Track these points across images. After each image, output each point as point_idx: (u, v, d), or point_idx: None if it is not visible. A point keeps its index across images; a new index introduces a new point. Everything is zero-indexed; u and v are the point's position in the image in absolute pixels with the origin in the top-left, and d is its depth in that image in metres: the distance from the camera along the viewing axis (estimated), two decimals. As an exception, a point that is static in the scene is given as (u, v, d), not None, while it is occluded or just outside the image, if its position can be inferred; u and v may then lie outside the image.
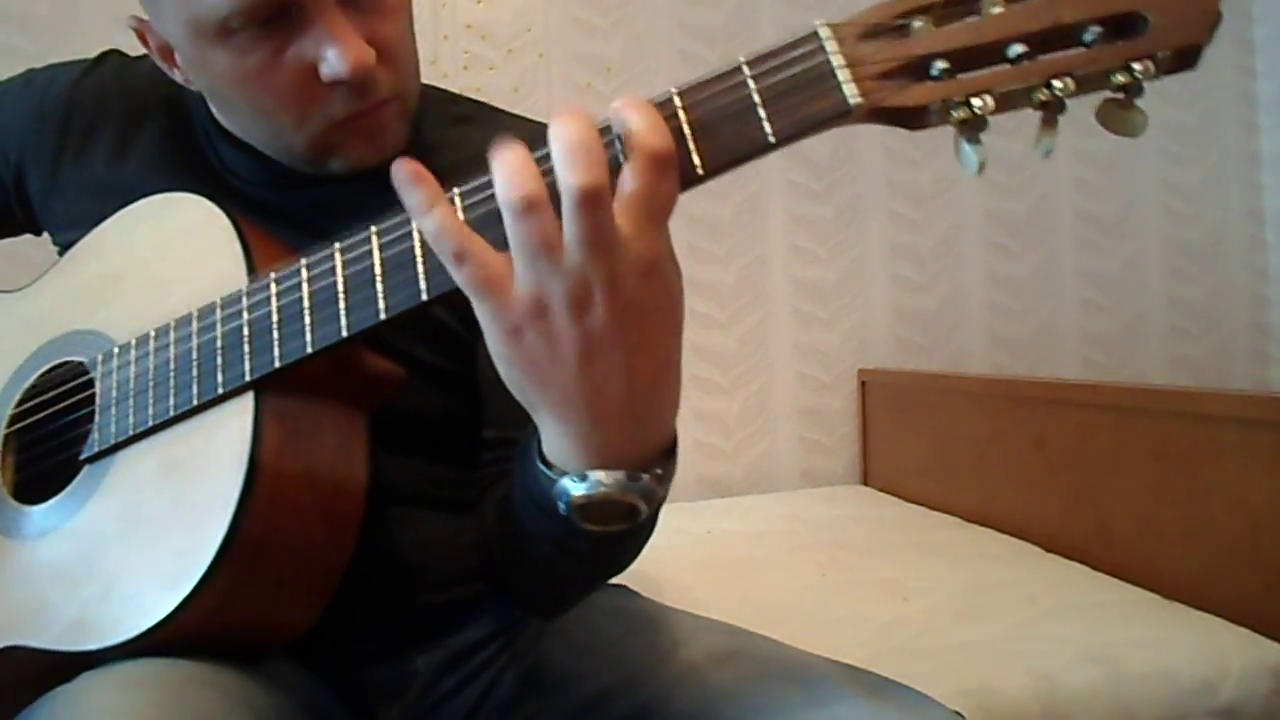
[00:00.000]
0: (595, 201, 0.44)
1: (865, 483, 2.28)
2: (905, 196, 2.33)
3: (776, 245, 2.25)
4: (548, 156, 0.46)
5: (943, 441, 2.00)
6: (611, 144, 0.47)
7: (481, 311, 0.47)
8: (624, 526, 0.52)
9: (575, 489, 0.50)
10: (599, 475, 0.50)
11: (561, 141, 0.45)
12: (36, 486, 0.66)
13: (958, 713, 0.59)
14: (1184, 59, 0.45)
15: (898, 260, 2.33)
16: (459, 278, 0.47)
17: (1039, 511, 1.69)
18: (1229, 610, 1.26)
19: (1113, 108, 0.45)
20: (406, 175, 0.47)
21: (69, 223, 0.74)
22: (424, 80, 0.76)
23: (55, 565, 0.61)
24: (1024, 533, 1.70)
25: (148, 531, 0.58)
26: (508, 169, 0.45)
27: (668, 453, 0.53)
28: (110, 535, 0.59)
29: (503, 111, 0.81)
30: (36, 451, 0.68)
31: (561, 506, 0.51)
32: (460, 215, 0.49)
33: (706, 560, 1.62)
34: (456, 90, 0.82)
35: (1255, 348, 2.55)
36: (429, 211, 0.47)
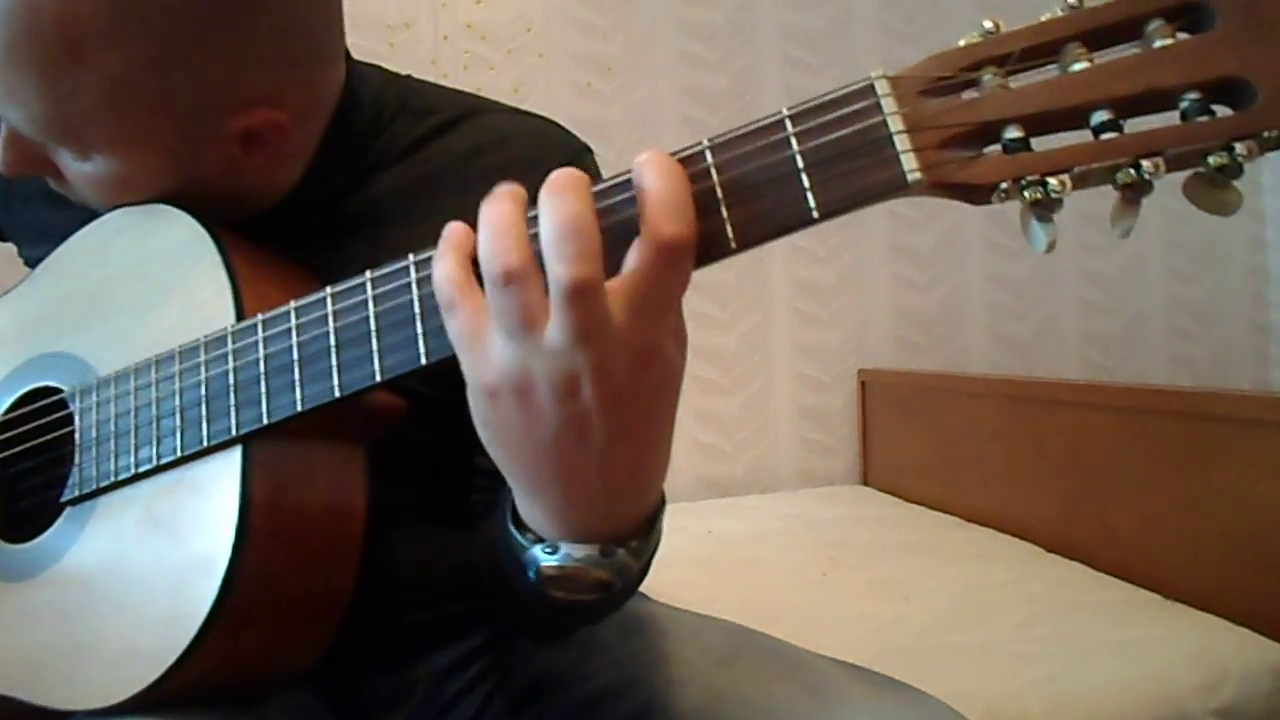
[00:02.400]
0: (584, 295, 0.39)
1: (865, 483, 2.28)
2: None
3: (776, 245, 2.23)
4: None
5: (943, 441, 2.00)
6: (626, 203, 0.42)
7: (463, 365, 0.45)
8: (593, 598, 0.49)
9: (545, 560, 0.48)
10: (570, 549, 0.47)
11: (551, 223, 0.40)
12: (15, 522, 0.64)
13: (958, 713, 0.59)
14: None
15: (898, 260, 2.33)
16: (448, 327, 0.45)
17: (1039, 511, 1.69)
18: (1229, 610, 1.26)
19: (1204, 185, 0.39)
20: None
21: (34, 236, 0.71)
22: (422, 80, 0.76)
23: (38, 614, 0.59)
24: (1024, 533, 1.70)
25: (132, 590, 0.56)
26: (491, 231, 0.42)
27: (648, 525, 0.50)
28: (94, 589, 0.57)
29: (491, 108, 0.73)
30: (16, 488, 0.66)
31: (530, 575, 0.49)
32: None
33: (706, 560, 1.62)
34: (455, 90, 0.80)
35: (1255, 348, 2.55)
36: (442, 257, 0.45)
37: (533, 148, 0.67)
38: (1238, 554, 1.29)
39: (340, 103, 0.65)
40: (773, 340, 2.26)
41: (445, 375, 0.67)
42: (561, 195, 0.41)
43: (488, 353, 0.43)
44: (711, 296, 2.20)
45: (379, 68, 0.72)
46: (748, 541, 1.78)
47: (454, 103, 0.71)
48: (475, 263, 0.44)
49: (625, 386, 0.42)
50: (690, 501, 2.10)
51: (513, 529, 0.50)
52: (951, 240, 2.36)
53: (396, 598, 0.69)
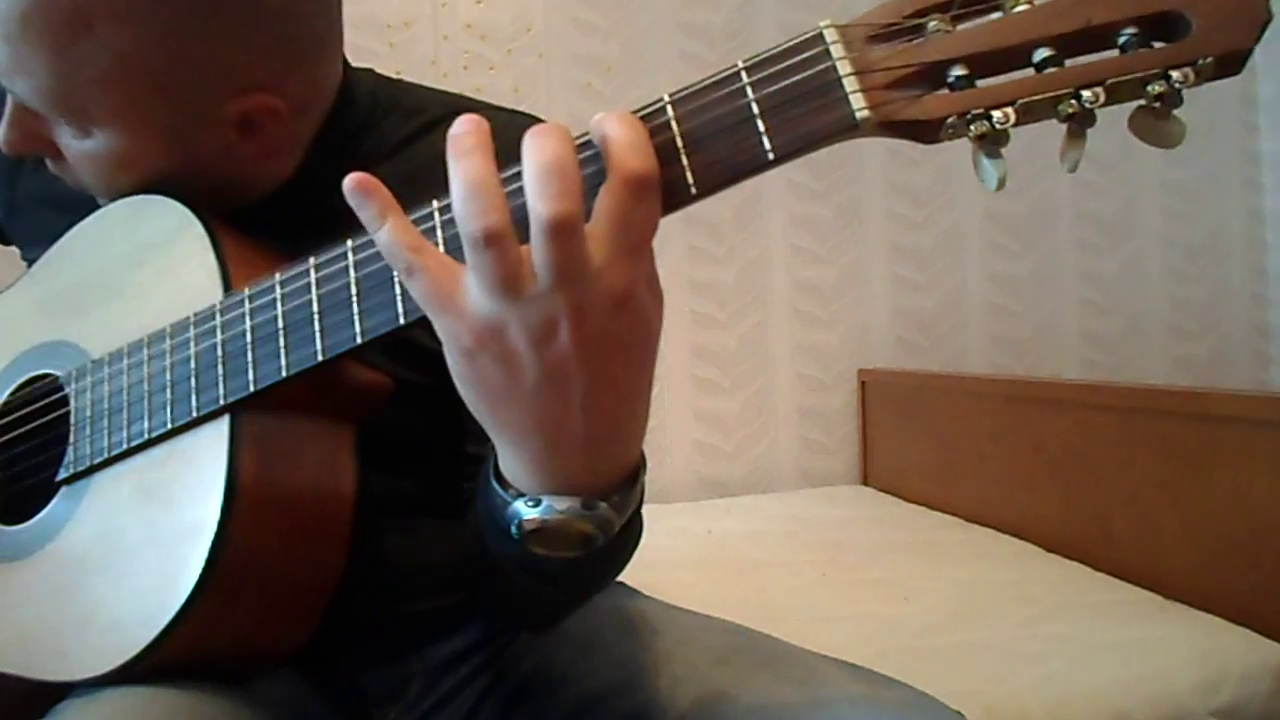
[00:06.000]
0: (566, 232, 0.40)
1: (865, 483, 2.28)
2: (905, 196, 2.33)
3: (776, 245, 2.25)
4: (519, 173, 0.43)
5: (943, 441, 2.00)
6: (595, 159, 0.44)
7: (438, 328, 0.45)
8: (576, 554, 0.50)
9: (527, 513, 0.48)
10: (552, 501, 0.48)
11: (534, 163, 0.41)
12: (14, 506, 0.65)
13: (958, 712, 0.59)
14: (1227, 65, 0.40)
15: (898, 260, 2.33)
16: (413, 292, 0.45)
17: (1039, 511, 1.69)
18: (1229, 610, 1.26)
19: (1147, 117, 0.41)
20: (355, 188, 0.45)
21: (35, 238, 0.72)
22: (422, 81, 0.76)
23: (35, 591, 0.60)
24: (1024, 533, 1.70)
25: (125, 561, 0.57)
26: (466, 192, 0.42)
27: (630, 479, 0.50)
28: (89, 563, 0.58)
29: (477, 106, 0.73)
30: (14, 471, 0.67)
31: (513, 530, 0.49)
32: (439, 231, 0.47)
33: (706, 560, 1.62)
34: (455, 90, 0.80)
35: (1255, 348, 2.55)
36: (381, 225, 0.45)
37: (518, 141, 0.67)
38: (1238, 554, 1.28)
39: (335, 101, 0.67)
40: (773, 340, 2.26)
41: (430, 360, 0.68)
42: (545, 137, 0.42)
43: (462, 309, 0.44)
44: (711, 296, 2.20)
45: (370, 70, 0.73)
46: (747, 541, 1.77)
47: (441, 101, 0.73)
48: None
49: (602, 330, 0.43)
50: (690, 501, 2.09)
51: (495, 484, 0.50)
52: (951, 240, 2.36)
53: (392, 588, 0.69)
